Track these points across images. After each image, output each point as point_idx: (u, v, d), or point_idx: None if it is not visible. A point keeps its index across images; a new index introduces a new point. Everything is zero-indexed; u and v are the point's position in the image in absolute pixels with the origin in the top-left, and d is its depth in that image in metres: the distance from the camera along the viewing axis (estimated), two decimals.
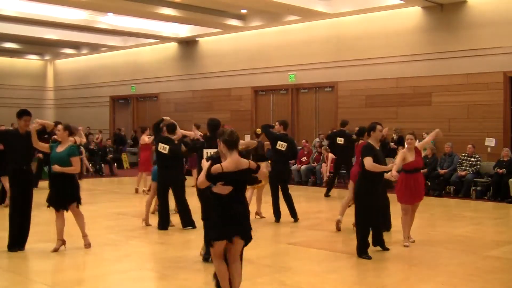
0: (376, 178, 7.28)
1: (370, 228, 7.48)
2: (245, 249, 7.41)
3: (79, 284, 6.20)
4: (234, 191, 4.97)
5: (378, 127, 7.47)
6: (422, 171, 14.24)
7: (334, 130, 14.94)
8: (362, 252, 7.30)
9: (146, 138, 14.32)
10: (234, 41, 20.74)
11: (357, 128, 14.69)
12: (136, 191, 14.41)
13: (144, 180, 14.28)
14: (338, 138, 13.73)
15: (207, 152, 7.15)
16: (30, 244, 7.97)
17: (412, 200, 8.04)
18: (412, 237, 8.20)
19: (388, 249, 7.63)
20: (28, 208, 7.78)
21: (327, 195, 13.81)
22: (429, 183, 14.56)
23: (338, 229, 9.17)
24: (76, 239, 8.95)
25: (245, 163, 5.01)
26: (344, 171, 14.95)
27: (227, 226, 4.95)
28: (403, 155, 7.87)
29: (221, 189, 4.95)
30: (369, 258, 7.23)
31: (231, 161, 4.94)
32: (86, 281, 6.31)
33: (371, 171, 7.18)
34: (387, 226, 8.91)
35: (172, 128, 9.41)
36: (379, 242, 7.68)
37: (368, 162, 7.19)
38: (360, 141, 9.48)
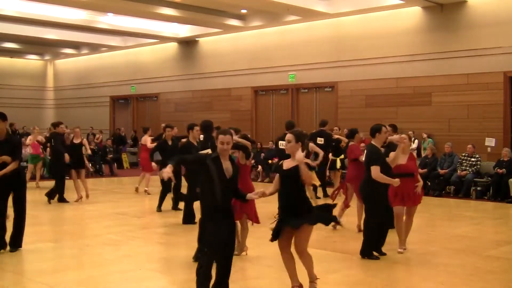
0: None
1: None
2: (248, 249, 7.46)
3: (79, 284, 6.19)
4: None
5: (384, 128, 7.33)
6: (421, 170, 14.44)
7: (314, 131, 14.73)
8: (367, 253, 7.27)
9: (149, 140, 14.42)
10: (234, 41, 20.74)
11: (334, 128, 14.69)
12: (136, 190, 14.44)
13: (147, 180, 14.31)
14: (318, 138, 13.65)
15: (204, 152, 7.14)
16: (30, 244, 7.97)
17: (404, 202, 7.47)
18: (405, 246, 7.64)
19: (385, 254, 7.41)
20: (22, 207, 7.58)
21: (325, 195, 13.81)
22: (429, 183, 14.58)
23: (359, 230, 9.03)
24: (76, 239, 8.95)
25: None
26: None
27: None
28: (396, 154, 7.37)
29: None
30: (377, 258, 7.23)
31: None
32: (86, 281, 6.30)
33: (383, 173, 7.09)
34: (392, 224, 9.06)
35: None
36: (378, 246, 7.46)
37: (375, 172, 6.98)
38: (351, 143, 9.56)
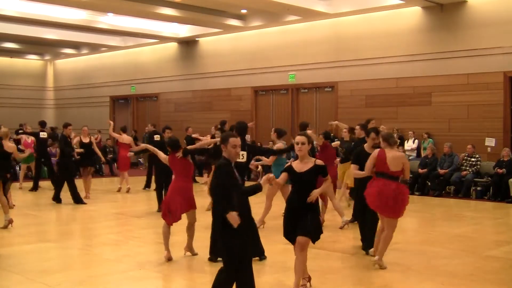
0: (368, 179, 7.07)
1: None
2: None
3: (79, 284, 6.20)
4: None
5: (372, 135, 7.49)
6: (421, 170, 14.42)
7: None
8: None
9: (126, 138, 14.66)
10: (234, 41, 20.74)
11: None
12: (119, 190, 14.54)
13: (126, 178, 14.39)
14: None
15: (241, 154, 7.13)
16: (30, 244, 7.98)
17: (383, 209, 6.74)
18: (383, 262, 6.82)
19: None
20: None
21: None
22: (429, 183, 14.59)
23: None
24: (76, 239, 8.96)
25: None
26: None
27: None
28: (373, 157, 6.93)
29: None
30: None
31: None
32: (86, 281, 6.31)
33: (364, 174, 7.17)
34: None
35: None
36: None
37: (353, 170, 7.41)
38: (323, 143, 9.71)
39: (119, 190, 14.52)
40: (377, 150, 6.84)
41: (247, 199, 5.06)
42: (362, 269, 6.94)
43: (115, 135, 14.82)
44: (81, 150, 13.08)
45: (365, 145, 7.54)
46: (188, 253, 7.37)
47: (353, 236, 8.83)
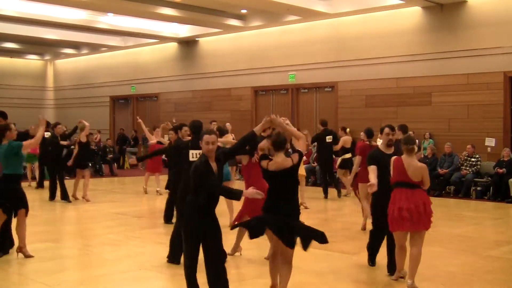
0: (388, 183, 6.21)
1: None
2: (245, 249, 7.46)
3: (79, 284, 6.20)
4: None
5: (386, 129, 6.69)
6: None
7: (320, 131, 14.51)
8: (369, 259, 6.93)
9: (154, 139, 14.40)
10: (234, 41, 20.74)
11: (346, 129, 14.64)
12: (145, 191, 14.35)
13: (157, 180, 14.23)
14: (327, 137, 13.72)
15: (193, 153, 7.07)
16: (30, 244, 7.97)
17: (402, 225, 6.00)
18: (404, 273, 6.33)
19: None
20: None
21: (326, 197, 13.77)
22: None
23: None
24: (76, 239, 8.96)
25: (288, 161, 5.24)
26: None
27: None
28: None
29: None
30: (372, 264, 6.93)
31: (274, 162, 5.22)
32: (86, 281, 6.31)
33: (382, 177, 6.27)
34: None
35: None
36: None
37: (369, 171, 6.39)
38: (364, 142, 9.57)
39: (145, 191, 14.35)
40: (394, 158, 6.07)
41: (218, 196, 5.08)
42: (363, 269, 6.94)
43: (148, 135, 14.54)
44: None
45: (381, 145, 6.85)
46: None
47: (353, 236, 8.83)
